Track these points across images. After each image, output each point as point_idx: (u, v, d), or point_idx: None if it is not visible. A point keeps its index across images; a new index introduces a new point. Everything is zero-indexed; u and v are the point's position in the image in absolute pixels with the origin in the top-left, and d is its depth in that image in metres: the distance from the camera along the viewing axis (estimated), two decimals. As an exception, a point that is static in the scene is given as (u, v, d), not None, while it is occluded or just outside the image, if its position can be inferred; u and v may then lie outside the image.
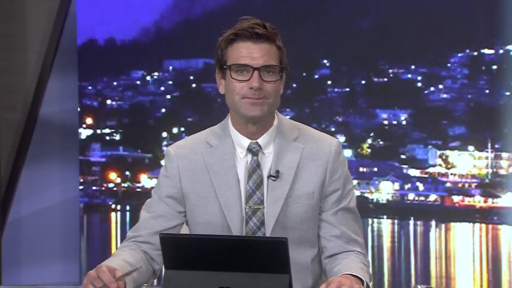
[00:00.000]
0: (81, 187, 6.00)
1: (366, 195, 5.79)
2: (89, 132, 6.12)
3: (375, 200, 5.80)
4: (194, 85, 6.06)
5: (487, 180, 5.66)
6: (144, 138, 6.11)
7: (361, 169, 5.82)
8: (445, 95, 5.72)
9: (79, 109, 5.97)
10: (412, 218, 5.80)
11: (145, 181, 6.07)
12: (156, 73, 6.11)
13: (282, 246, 2.25)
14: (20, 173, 5.79)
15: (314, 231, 2.79)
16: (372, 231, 5.83)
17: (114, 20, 6.01)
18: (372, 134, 5.81)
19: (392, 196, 5.79)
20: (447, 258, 5.72)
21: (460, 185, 5.71)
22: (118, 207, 6.13)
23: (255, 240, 2.45)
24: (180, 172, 2.79)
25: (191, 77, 6.05)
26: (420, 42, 5.66)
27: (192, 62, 6.06)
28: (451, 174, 5.72)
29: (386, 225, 5.84)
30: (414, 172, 5.77)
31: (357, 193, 5.69)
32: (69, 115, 5.90)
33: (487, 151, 5.62)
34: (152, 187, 3.02)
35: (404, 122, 5.77)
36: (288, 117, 2.92)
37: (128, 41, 6.06)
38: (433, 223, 5.75)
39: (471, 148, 5.65)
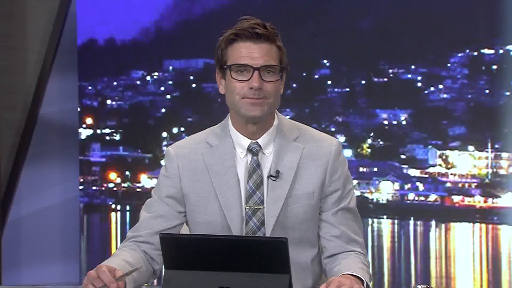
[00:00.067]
0: (81, 187, 6.00)
1: (366, 195, 5.79)
2: (89, 132, 6.12)
3: (375, 200, 5.80)
4: (194, 85, 6.06)
5: (487, 180, 5.66)
6: (144, 138, 6.11)
7: (361, 169, 5.82)
8: (445, 95, 5.72)
9: (79, 109, 5.97)
10: (412, 218, 5.80)
11: (145, 181, 6.07)
12: (156, 73, 6.11)
13: (282, 246, 2.25)
14: (20, 173, 5.79)
15: (314, 231, 2.79)
16: (372, 231, 5.83)
17: (114, 20, 6.01)
18: (372, 134, 5.81)
19: (392, 196, 5.78)
20: (447, 258, 5.72)
21: (460, 185, 5.71)
22: (118, 207, 6.13)
23: (255, 240, 2.44)
24: (180, 172, 2.79)
25: (191, 77, 6.05)
26: (420, 42, 5.66)
27: (192, 62, 6.06)
28: (451, 174, 5.72)
29: (386, 225, 5.84)
30: (414, 172, 5.77)
31: (357, 193, 5.69)
32: (69, 115, 5.90)
33: (487, 151, 5.62)
34: (152, 187, 3.02)
35: (404, 122, 5.77)
36: (288, 117, 2.92)
37: (128, 41, 6.06)
38: (433, 223, 5.75)
39: (471, 148, 5.65)
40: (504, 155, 5.61)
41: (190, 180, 2.78)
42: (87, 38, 6.01)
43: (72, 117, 5.91)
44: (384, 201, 5.79)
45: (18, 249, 5.81)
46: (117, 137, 6.13)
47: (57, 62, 5.82)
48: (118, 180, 6.10)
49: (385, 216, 5.82)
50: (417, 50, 5.69)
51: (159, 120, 6.07)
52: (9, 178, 5.79)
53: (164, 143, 6.00)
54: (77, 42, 5.91)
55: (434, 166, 5.73)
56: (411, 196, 5.77)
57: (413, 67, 5.74)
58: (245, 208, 2.74)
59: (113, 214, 6.16)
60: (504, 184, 5.62)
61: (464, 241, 5.69)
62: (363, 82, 5.81)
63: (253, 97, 2.69)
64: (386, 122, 5.79)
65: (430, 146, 5.73)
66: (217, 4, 5.93)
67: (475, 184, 5.68)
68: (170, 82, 6.08)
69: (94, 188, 6.12)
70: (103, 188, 6.11)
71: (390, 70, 5.76)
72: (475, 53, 5.65)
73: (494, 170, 5.64)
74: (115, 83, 6.13)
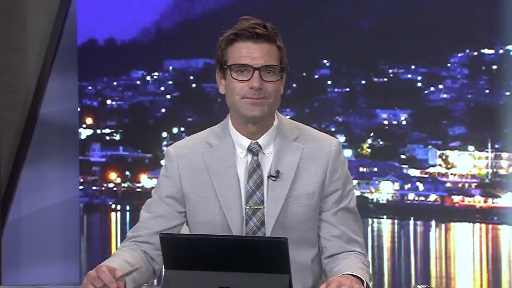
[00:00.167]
0: (81, 187, 6.00)
1: (366, 195, 5.79)
2: (89, 132, 6.12)
3: (375, 200, 5.80)
4: (194, 85, 6.06)
5: (487, 180, 5.66)
6: (144, 138, 6.11)
7: (361, 169, 5.82)
8: (445, 95, 5.72)
9: (79, 109, 5.97)
10: (412, 218, 5.80)
11: (145, 181, 6.07)
12: (156, 73, 6.11)
13: (282, 246, 2.25)
14: (20, 173, 5.79)
15: (314, 231, 2.79)
16: (372, 231, 5.83)
17: (114, 20, 6.01)
18: (372, 134, 5.81)
19: (392, 196, 5.79)
20: (447, 258, 5.72)
21: (460, 185, 5.71)
22: (118, 207, 6.13)
23: (255, 240, 2.44)
24: (180, 172, 2.79)
25: (191, 77, 6.05)
26: (420, 42, 5.66)
27: (192, 62, 6.06)
28: (451, 174, 5.72)
29: (386, 225, 5.84)
30: (414, 172, 5.77)
31: (357, 193, 5.69)
32: (69, 115, 5.90)
33: (487, 151, 5.62)
34: (152, 187, 3.02)
35: (404, 122, 5.77)
36: (288, 117, 2.92)
37: (128, 41, 6.06)
38: (433, 223, 5.75)
39: (471, 148, 5.66)
40: (504, 155, 5.61)
41: (190, 180, 2.78)
42: (87, 38, 6.01)
43: (72, 117, 5.91)
44: (384, 201, 5.79)
45: (18, 249, 5.81)
46: (117, 137, 6.13)
47: (57, 62, 5.82)
48: (118, 180, 6.11)
49: (385, 216, 5.82)
50: (417, 50, 5.69)
51: (159, 120, 6.07)
52: (9, 178, 5.79)
53: (164, 143, 6.00)
54: (77, 42, 5.91)
55: (434, 166, 5.74)
56: (411, 196, 5.77)
57: (413, 67, 5.74)
58: (245, 208, 2.74)
59: (113, 214, 6.16)
60: (504, 184, 5.62)
61: (464, 241, 5.69)
62: (363, 82, 5.81)
63: (253, 97, 2.69)
64: (386, 122, 5.79)
65: (430, 146, 5.73)
66: (217, 4, 5.93)
67: (475, 184, 5.68)
68: (170, 82, 6.08)
69: (94, 188, 6.12)
70: (103, 188, 6.11)
71: (390, 70, 5.77)
72: (475, 53, 5.65)
73: (494, 170, 5.64)
74: (115, 83, 6.13)
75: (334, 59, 5.83)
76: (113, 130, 6.13)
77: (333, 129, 5.81)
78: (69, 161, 5.89)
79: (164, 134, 6.03)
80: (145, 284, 2.76)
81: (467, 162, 5.68)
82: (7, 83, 5.75)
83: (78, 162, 5.93)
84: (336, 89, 5.86)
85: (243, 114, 2.73)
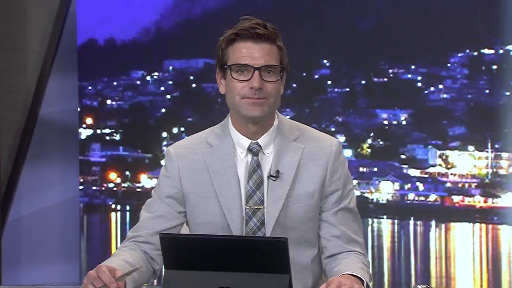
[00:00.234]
0: (81, 187, 6.00)
1: (366, 195, 5.79)
2: (89, 132, 6.13)
3: (375, 200, 5.80)
4: (194, 85, 6.06)
5: (487, 180, 5.66)
6: (144, 138, 6.11)
7: (361, 169, 5.82)
8: (445, 95, 5.72)
9: (79, 109, 5.97)
10: (412, 218, 5.80)
11: (145, 181, 6.07)
12: (156, 73, 6.11)
13: (282, 246, 2.25)
14: (20, 173, 5.79)
15: (314, 231, 2.79)
16: (372, 231, 5.83)
17: (114, 20, 6.01)
18: (372, 134, 5.81)
19: (392, 196, 5.79)
20: (447, 258, 5.72)
21: (460, 185, 5.71)
22: (118, 207, 6.13)
23: (255, 240, 2.44)
24: (181, 172, 2.79)
25: (191, 77, 6.05)
26: (420, 42, 5.66)
27: (192, 62, 6.06)
28: (451, 174, 5.72)
29: (386, 225, 5.84)
30: (414, 172, 5.77)
31: (357, 193, 5.69)
32: (69, 115, 5.90)
33: (487, 151, 5.62)
34: (152, 187, 3.02)
35: (404, 122, 5.77)
36: (288, 117, 2.92)
37: (128, 41, 6.06)
38: (433, 223, 5.75)
39: (471, 148, 5.66)
40: (504, 155, 5.61)
41: (190, 180, 2.78)
42: (87, 38, 6.01)
43: (72, 117, 5.91)
44: (384, 201, 5.79)
45: (18, 249, 5.81)
46: (117, 137, 6.13)
47: (57, 62, 5.82)
48: (118, 180, 6.11)
49: (385, 216, 5.83)
50: (417, 50, 5.69)
51: (159, 120, 6.07)
52: (9, 178, 5.79)
53: (164, 143, 6.00)
54: (77, 42, 5.91)
55: (434, 166, 5.74)
56: (411, 196, 5.78)
57: (413, 67, 5.74)
58: (245, 208, 2.74)
59: (113, 214, 6.16)
60: (504, 184, 5.62)
61: (464, 241, 5.69)
62: (363, 82, 5.81)
63: (254, 97, 2.69)
64: (386, 122, 5.79)
65: (430, 146, 5.73)
66: (217, 4, 5.93)
67: (475, 184, 5.69)
68: (170, 82, 6.08)
69: (94, 188, 6.12)
70: (103, 188, 6.11)
71: (390, 70, 5.77)
72: (475, 53, 5.65)
73: (494, 170, 5.64)
74: (115, 83, 6.13)
75: (334, 59, 5.84)
76: (113, 130, 6.13)
77: (333, 129, 5.81)
78: (69, 161, 5.89)
79: (164, 134, 6.03)
80: (145, 284, 2.76)
81: (467, 162, 5.68)
82: (7, 83, 5.75)
83: (78, 162, 5.93)
84: (336, 89, 5.86)
85: (243, 114, 2.72)
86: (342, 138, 5.75)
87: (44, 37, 5.79)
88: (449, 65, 5.70)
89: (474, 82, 5.66)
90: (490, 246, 5.68)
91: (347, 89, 5.85)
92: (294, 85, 5.82)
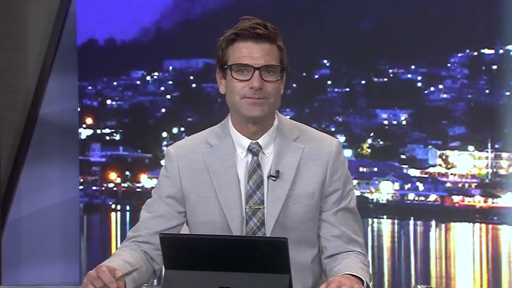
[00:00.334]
0: (81, 187, 6.00)
1: (366, 195, 5.79)
2: (89, 132, 6.13)
3: (375, 200, 5.80)
4: (194, 85, 6.06)
5: (487, 180, 5.66)
6: (144, 138, 6.11)
7: (361, 169, 5.82)
8: (445, 95, 5.72)
9: (79, 109, 5.97)
10: (412, 218, 5.80)
11: (145, 181, 6.07)
12: (156, 73, 6.11)
13: (282, 246, 2.25)
14: (20, 173, 5.79)
15: (314, 231, 2.79)
16: (372, 231, 5.83)
17: (114, 20, 6.01)
18: (372, 134, 5.81)
19: (392, 196, 5.79)
20: (447, 258, 5.72)
21: (460, 185, 5.71)
22: (118, 207, 6.13)
23: (255, 240, 2.44)
24: (181, 172, 2.79)
25: (191, 77, 6.05)
26: (420, 42, 5.66)
27: (192, 62, 6.07)
28: (451, 174, 5.72)
29: (386, 225, 5.84)
30: (414, 172, 5.77)
31: (357, 193, 5.69)
32: (69, 115, 5.90)
33: (487, 151, 5.62)
34: (152, 187, 3.02)
35: (404, 122, 5.77)
36: (288, 117, 2.92)
37: (128, 41, 6.06)
38: (433, 223, 5.75)
39: (471, 148, 5.66)
40: (504, 155, 5.61)
41: (190, 180, 2.78)
42: (87, 38, 6.01)
43: (72, 117, 5.91)
44: (384, 201, 5.79)
45: (18, 249, 5.81)
46: (117, 137, 6.13)
47: (57, 62, 5.82)
48: (118, 180, 6.11)
49: (385, 216, 5.83)
50: (417, 50, 5.69)
51: (159, 120, 6.07)
52: (9, 178, 5.79)
53: (164, 143, 6.00)
54: (77, 42, 5.91)
55: (434, 166, 5.74)
56: (411, 196, 5.78)
57: (413, 67, 5.74)
58: (245, 208, 2.74)
59: (113, 214, 6.16)
60: (504, 184, 5.62)
61: (464, 241, 5.69)
62: (363, 82, 5.81)
63: (254, 97, 2.69)
64: (386, 122, 5.79)
65: (430, 146, 5.73)
66: (217, 4, 5.93)
67: (475, 184, 5.69)
68: (170, 82, 6.08)
69: (94, 188, 6.12)
70: (103, 188, 6.11)
71: (390, 70, 5.77)
72: (475, 53, 5.65)
73: (494, 170, 5.64)
74: (115, 83, 6.13)
75: (334, 59, 5.84)
76: (113, 130, 6.13)
77: (333, 129, 5.81)
78: (69, 161, 5.89)
79: (164, 134, 6.03)
80: (145, 284, 2.76)
81: (467, 162, 5.68)
82: (7, 83, 5.75)
83: (78, 162, 5.93)
84: (336, 89, 5.86)
85: (243, 114, 2.72)
86: (342, 138, 5.74)
87: (44, 37, 5.79)
88: (449, 65, 5.70)
89: (474, 82, 5.66)
90: (490, 246, 5.68)
91: (347, 89, 5.85)
92: (294, 85, 5.82)
